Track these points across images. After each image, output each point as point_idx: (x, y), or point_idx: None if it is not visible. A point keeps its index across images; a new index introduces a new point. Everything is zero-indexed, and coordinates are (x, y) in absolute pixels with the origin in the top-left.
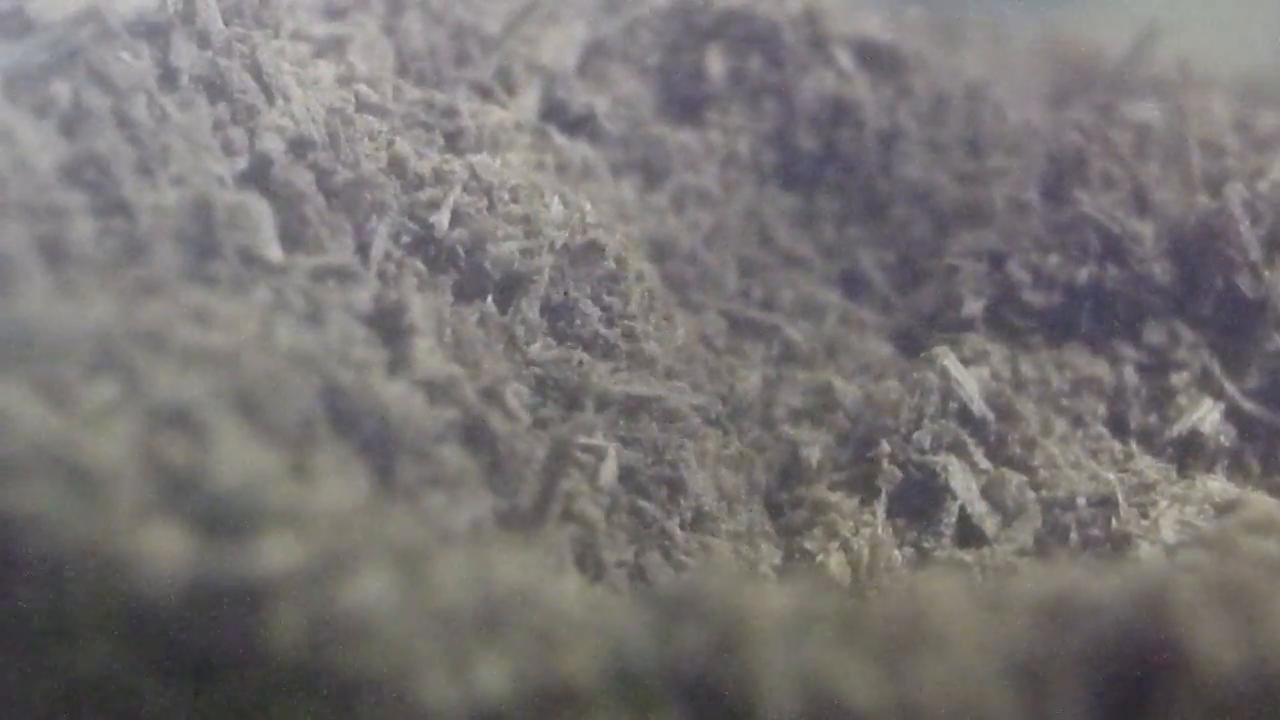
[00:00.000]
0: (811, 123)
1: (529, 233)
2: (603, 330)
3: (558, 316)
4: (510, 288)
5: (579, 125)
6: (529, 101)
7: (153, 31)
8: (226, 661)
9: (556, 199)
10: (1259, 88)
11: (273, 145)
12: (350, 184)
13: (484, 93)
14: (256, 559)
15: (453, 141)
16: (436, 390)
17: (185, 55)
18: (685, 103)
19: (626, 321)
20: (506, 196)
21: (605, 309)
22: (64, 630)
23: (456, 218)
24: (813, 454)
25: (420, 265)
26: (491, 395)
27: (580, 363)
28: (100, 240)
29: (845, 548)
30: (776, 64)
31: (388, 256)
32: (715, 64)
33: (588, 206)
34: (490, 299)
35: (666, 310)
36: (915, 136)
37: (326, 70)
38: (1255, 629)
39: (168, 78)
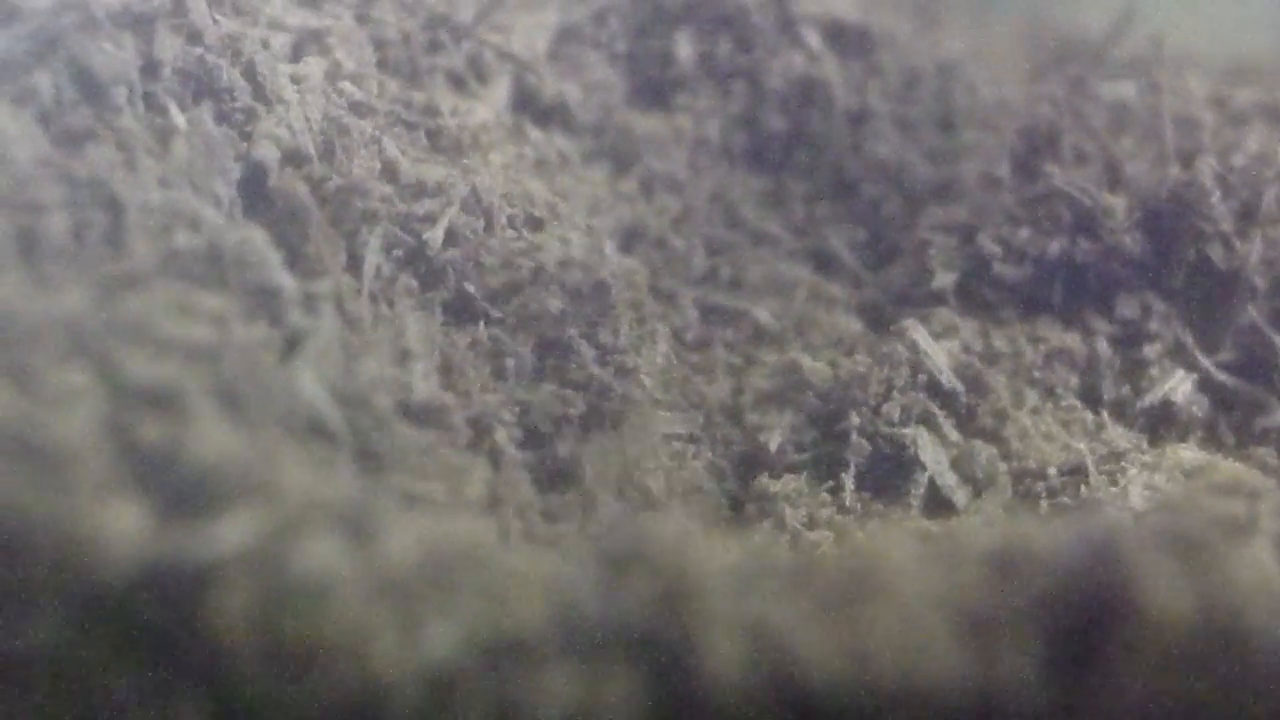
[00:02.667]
0: (781, 104)
1: (535, 271)
2: (596, 371)
3: (550, 352)
4: (506, 321)
5: (550, 114)
6: (500, 91)
7: (138, 22)
8: (180, 637)
9: (575, 235)
10: (1240, 69)
11: (268, 154)
12: (341, 190)
13: (457, 82)
14: (213, 537)
15: (434, 140)
16: (430, 417)
17: (169, 48)
18: (654, 88)
19: (618, 357)
20: (504, 220)
21: (599, 347)
22: (17, 606)
23: (452, 238)
24: (772, 440)
25: (413, 282)
26: (481, 427)
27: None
28: (79, 234)
29: (794, 541)
30: (745, 47)
31: (379, 272)
32: (684, 48)
33: (607, 247)
34: (483, 326)
35: (650, 326)
36: (885, 115)
37: (316, 67)
38: (1205, 578)
39: (150, 70)
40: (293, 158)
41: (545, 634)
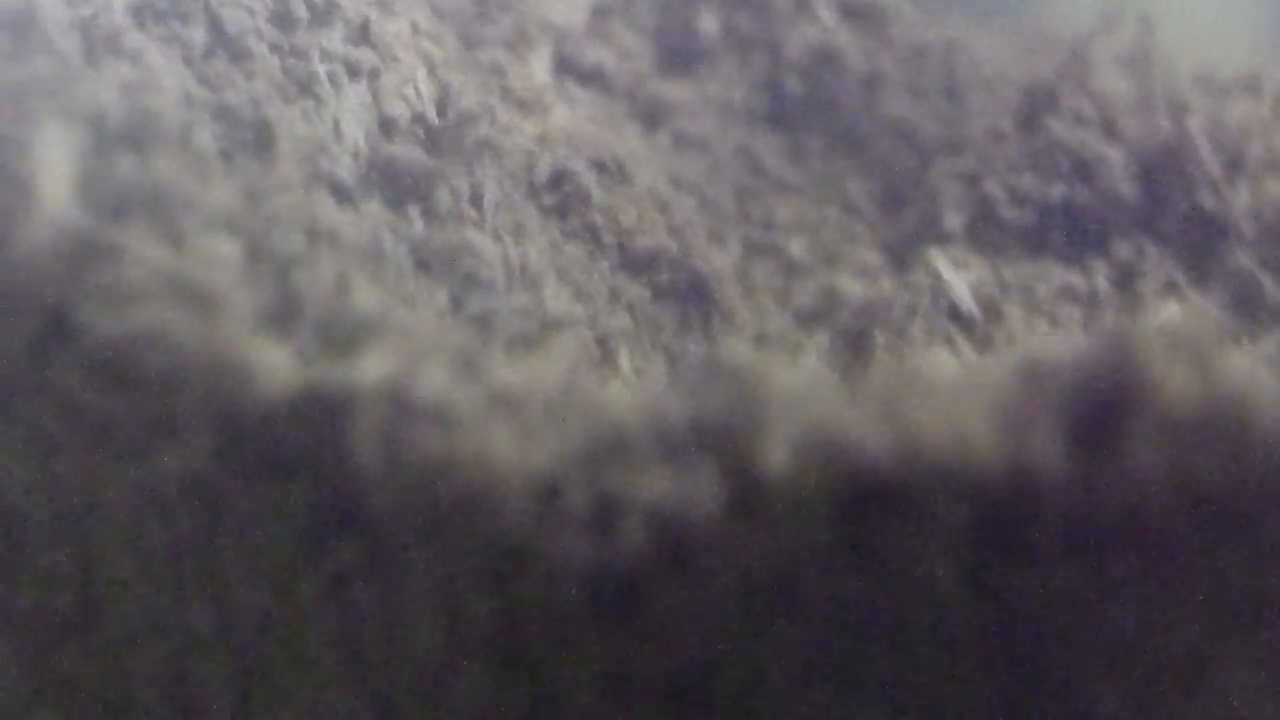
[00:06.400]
0: (798, 71)
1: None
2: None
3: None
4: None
5: (589, 79)
6: (544, 57)
7: None
8: (319, 461)
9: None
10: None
11: (400, 112)
12: (455, 123)
13: (507, 47)
14: (352, 370)
15: (505, 98)
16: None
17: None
18: (681, 58)
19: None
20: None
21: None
22: (167, 432)
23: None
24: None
25: (534, 210)
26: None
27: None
28: (228, 150)
29: None
30: (764, 20)
31: (499, 205)
32: (707, 22)
33: None
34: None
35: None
36: (896, 81)
37: (404, 25)
38: (1208, 375)
39: (280, 20)
40: (419, 117)
41: (638, 439)
